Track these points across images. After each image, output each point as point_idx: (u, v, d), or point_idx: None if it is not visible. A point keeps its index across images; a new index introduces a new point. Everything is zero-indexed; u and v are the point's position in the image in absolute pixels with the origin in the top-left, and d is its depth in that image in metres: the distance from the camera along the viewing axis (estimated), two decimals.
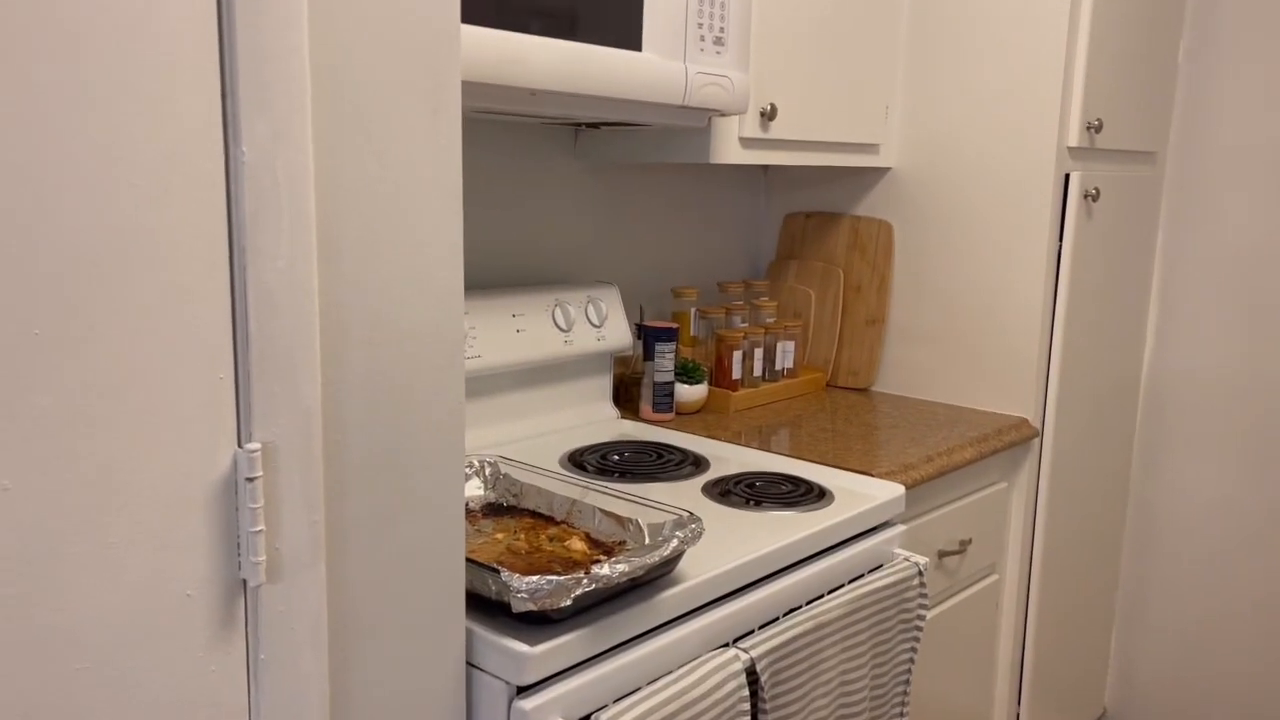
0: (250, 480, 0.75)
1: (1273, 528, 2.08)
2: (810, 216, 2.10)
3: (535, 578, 0.93)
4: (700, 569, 1.12)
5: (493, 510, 1.25)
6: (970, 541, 1.73)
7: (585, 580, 0.95)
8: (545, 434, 1.65)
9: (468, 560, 0.97)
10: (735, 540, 1.21)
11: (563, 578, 0.94)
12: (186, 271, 0.71)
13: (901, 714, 1.37)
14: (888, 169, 1.98)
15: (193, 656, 0.75)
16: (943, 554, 1.67)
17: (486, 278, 1.71)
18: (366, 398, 0.83)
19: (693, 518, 1.09)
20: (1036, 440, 1.87)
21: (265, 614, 0.78)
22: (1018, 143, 1.82)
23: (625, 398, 1.87)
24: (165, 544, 0.72)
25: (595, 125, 1.71)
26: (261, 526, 0.76)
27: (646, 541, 1.12)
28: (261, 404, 0.75)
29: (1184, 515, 2.18)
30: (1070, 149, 1.81)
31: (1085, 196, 1.83)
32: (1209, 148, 2.08)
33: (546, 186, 1.78)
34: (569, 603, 0.94)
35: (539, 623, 0.98)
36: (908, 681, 1.36)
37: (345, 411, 0.82)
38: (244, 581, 0.77)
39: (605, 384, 1.76)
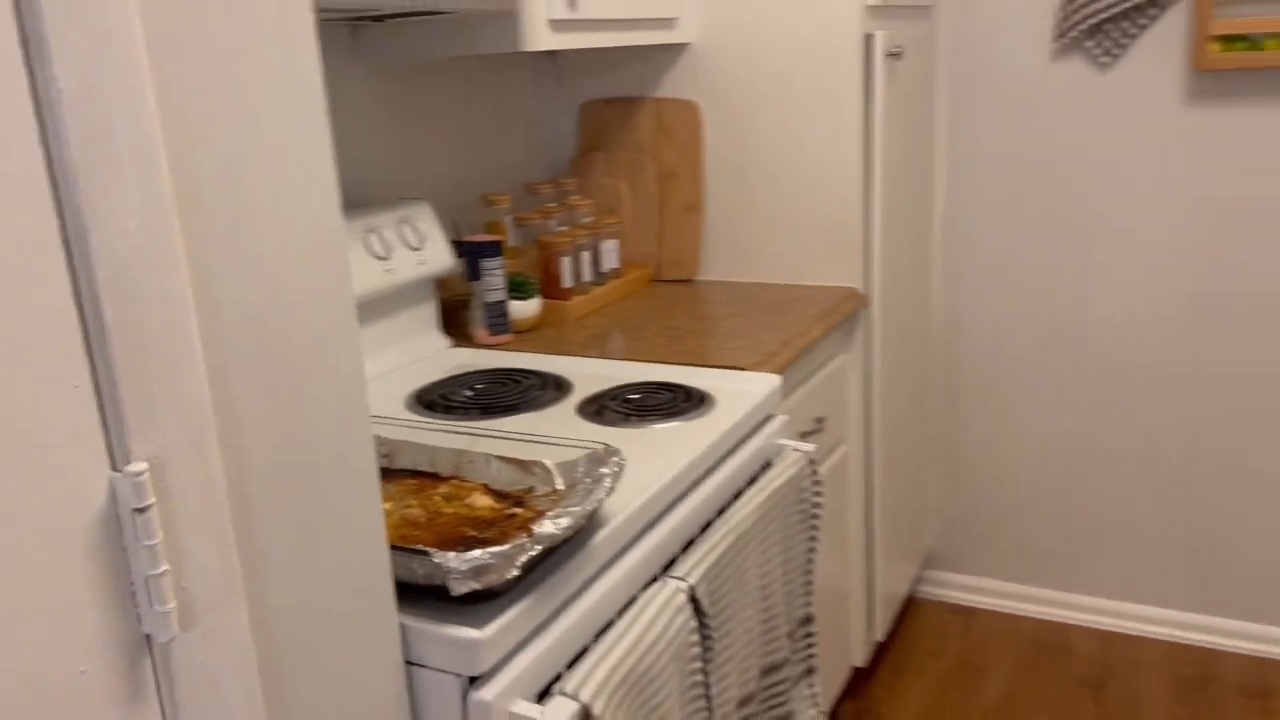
0: (140, 511, 0.57)
1: (1056, 358, 2.22)
2: (610, 103, 1.97)
3: (475, 553, 0.80)
4: (621, 503, 1.02)
5: None
6: (825, 419, 1.72)
7: (529, 543, 0.83)
8: (378, 377, 1.47)
9: (390, 547, 0.82)
10: (639, 462, 1.12)
11: (505, 547, 0.81)
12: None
13: (808, 602, 1.35)
14: (687, 44, 1.88)
15: None
16: (803, 434, 1.65)
17: None
18: (259, 385, 0.66)
19: (610, 450, 0.99)
20: (864, 309, 1.88)
21: (182, 671, 0.62)
22: (820, 5, 1.76)
23: (452, 324, 1.71)
24: (34, 619, 0.54)
25: (380, 18, 1.50)
26: (164, 566, 0.59)
27: (560, 485, 1.00)
28: (137, 412, 0.57)
29: (985, 366, 2.29)
30: (868, 7, 1.78)
31: (888, 56, 1.82)
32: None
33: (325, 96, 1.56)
34: (516, 572, 0.82)
35: (477, 600, 0.85)
36: (811, 571, 1.34)
37: (238, 406, 0.65)
38: (148, 637, 0.60)
39: (431, 311, 1.60)
